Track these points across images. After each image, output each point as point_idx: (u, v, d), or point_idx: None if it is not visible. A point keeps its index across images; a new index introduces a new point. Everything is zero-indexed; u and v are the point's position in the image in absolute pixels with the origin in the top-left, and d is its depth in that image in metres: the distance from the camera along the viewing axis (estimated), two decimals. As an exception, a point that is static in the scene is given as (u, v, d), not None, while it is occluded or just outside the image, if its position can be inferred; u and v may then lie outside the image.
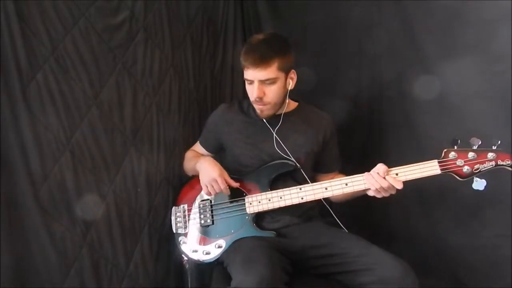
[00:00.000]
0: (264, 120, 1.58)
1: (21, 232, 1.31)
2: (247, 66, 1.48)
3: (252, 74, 1.48)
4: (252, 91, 1.51)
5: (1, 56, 1.25)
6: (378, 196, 1.39)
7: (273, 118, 1.58)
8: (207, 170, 1.53)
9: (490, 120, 1.54)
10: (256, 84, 1.49)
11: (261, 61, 1.46)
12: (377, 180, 1.35)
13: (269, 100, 1.51)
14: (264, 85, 1.49)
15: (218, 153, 1.76)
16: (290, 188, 1.49)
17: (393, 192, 1.33)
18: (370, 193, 1.41)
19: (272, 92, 1.50)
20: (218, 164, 1.55)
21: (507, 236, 1.55)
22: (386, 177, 1.35)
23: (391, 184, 1.34)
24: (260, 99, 1.50)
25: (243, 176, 1.59)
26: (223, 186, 1.50)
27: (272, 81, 1.48)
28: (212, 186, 1.51)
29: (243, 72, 1.52)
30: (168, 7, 1.81)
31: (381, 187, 1.35)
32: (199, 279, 1.65)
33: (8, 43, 1.26)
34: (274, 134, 1.57)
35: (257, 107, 1.55)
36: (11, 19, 1.26)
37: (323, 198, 1.56)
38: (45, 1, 1.36)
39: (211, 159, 1.59)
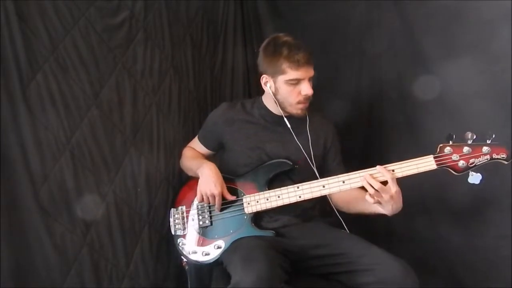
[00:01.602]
0: (286, 120, 1.57)
1: (21, 232, 1.31)
2: (295, 67, 1.48)
3: (304, 72, 1.50)
4: (301, 90, 1.51)
5: (1, 56, 1.26)
6: (387, 206, 1.35)
7: (277, 120, 1.59)
8: (208, 182, 1.52)
9: (490, 120, 1.54)
10: (307, 81, 1.51)
11: (311, 57, 1.50)
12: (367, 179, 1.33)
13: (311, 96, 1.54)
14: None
15: (217, 151, 1.75)
16: (288, 186, 1.49)
17: (386, 195, 1.32)
18: (380, 208, 1.38)
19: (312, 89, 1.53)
20: (221, 178, 1.55)
21: (507, 236, 1.55)
22: (377, 166, 1.35)
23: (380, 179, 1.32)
24: (310, 97, 1.52)
25: (241, 176, 1.59)
26: (218, 203, 1.52)
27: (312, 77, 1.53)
28: (208, 199, 1.53)
29: (282, 74, 1.50)
30: (168, 7, 1.81)
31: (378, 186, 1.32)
32: (199, 280, 1.64)
33: (8, 43, 1.27)
34: (293, 133, 1.57)
35: (302, 106, 1.55)
36: (11, 19, 1.26)
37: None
38: (45, 1, 1.36)
39: (215, 168, 1.56)
